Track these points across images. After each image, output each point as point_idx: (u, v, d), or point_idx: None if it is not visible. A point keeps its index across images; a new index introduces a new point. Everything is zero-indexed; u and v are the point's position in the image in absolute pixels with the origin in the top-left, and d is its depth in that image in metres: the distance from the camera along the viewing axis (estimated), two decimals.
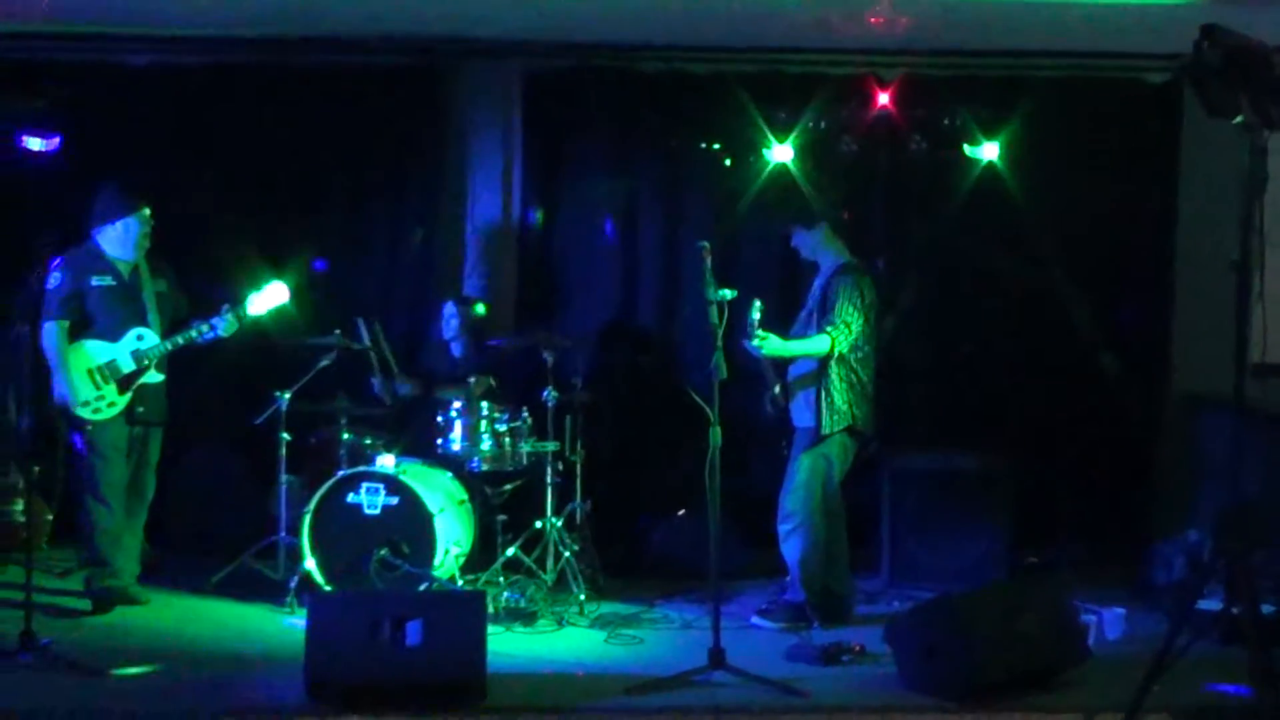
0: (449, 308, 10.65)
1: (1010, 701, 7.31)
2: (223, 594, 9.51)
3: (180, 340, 9.08)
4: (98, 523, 9.06)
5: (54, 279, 8.91)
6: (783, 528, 9.03)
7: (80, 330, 9.02)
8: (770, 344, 8.66)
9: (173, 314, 9.27)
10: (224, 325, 9.10)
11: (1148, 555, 9.74)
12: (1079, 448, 10.90)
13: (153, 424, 9.24)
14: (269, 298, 9.20)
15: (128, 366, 9.02)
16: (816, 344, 8.83)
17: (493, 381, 10.08)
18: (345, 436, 9.86)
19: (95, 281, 9.02)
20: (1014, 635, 7.49)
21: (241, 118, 11.07)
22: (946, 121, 10.82)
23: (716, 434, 7.82)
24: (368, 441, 9.96)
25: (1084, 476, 10.84)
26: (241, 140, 11.06)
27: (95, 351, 9.01)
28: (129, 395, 9.05)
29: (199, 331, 9.10)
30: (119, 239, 9.06)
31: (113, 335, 9.04)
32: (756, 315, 8.48)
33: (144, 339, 9.07)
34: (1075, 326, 10.99)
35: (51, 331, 8.91)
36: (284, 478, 9.85)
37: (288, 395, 9.71)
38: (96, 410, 8.98)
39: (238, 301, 9.15)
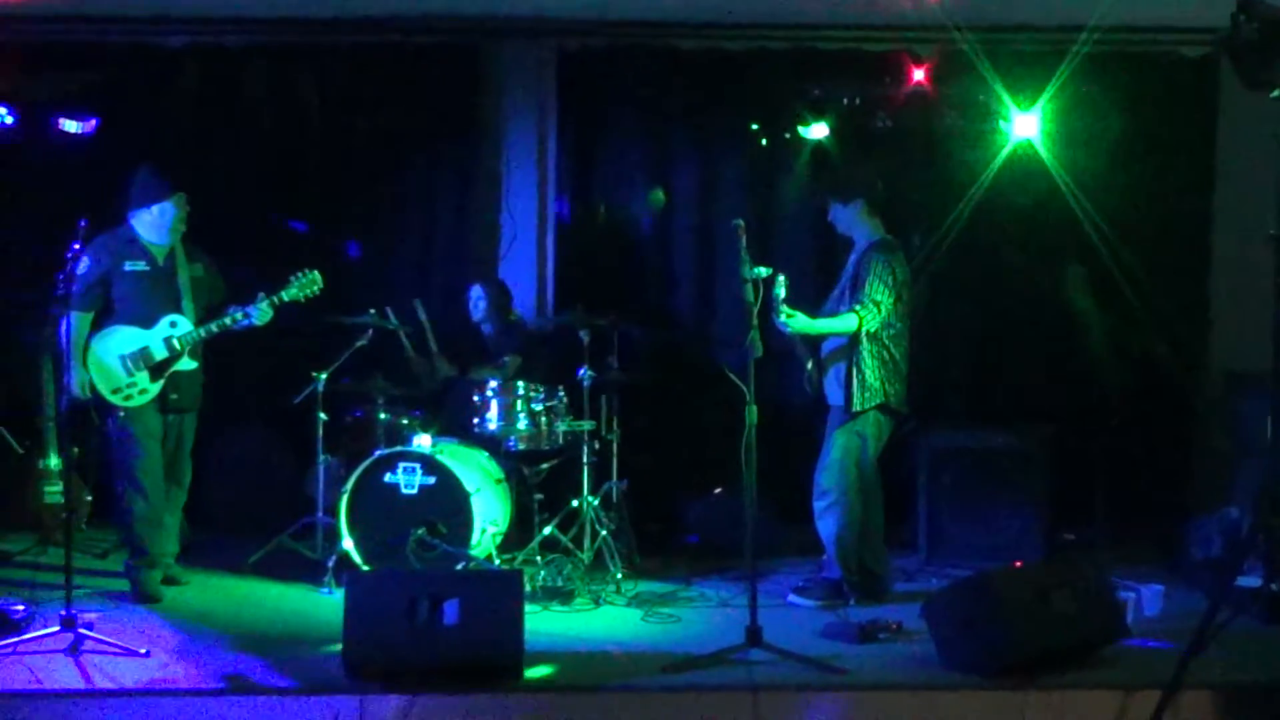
0: (475, 290, 10.65)
1: (1048, 678, 7.29)
2: (261, 574, 9.56)
3: (214, 328, 9.00)
4: (135, 510, 9.03)
5: (83, 264, 8.74)
6: (818, 505, 9.02)
7: (112, 316, 8.97)
8: (797, 321, 8.64)
9: (208, 299, 9.21)
10: (258, 314, 9.02)
11: (1186, 532, 9.72)
12: (1117, 424, 10.85)
13: (186, 410, 9.18)
14: (304, 287, 9.12)
15: (160, 354, 8.94)
16: (844, 323, 8.81)
17: (519, 361, 10.10)
18: (382, 416, 9.89)
19: (128, 267, 8.95)
20: (1050, 612, 7.46)
21: (277, 98, 11.11)
22: (982, 97, 10.78)
23: (753, 412, 7.81)
24: (405, 421, 9.98)
25: (1122, 452, 10.78)
26: (276, 121, 11.11)
27: (128, 338, 8.94)
28: (161, 382, 8.98)
29: (233, 319, 9.01)
30: (154, 223, 8.99)
31: (146, 322, 8.96)
32: (782, 291, 8.46)
33: (177, 326, 8.98)
34: (1113, 302, 10.94)
35: (71, 322, 8.81)
36: (321, 458, 9.89)
37: (325, 375, 9.72)
38: (129, 397, 8.93)
39: (273, 290, 9.08)
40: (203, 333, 9.00)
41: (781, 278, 8.43)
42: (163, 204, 8.96)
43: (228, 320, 9.01)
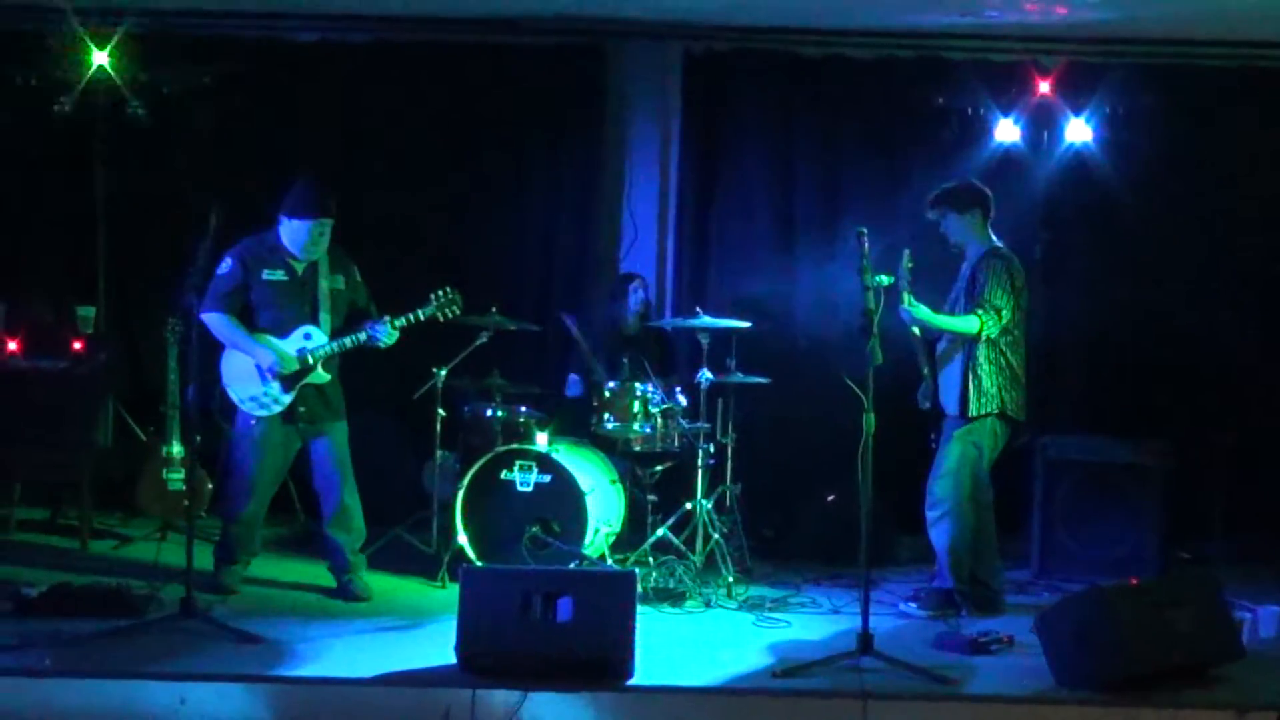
0: (636, 283, 10.74)
1: (1161, 696, 7.24)
2: (375, 566, 9.58)
3: (347, 343, 8.93)
4: (239, 513, 9.11)
5: (225, 265, 8.84)
6: (931, 514, 8.99)
7: (250, 322, 8.94)
8: (920, 309, 8.63)
9: (348, 310, 9.13)
10: (384, 334, 8.90)
11: None
12: (1238, 438, 10.74)
13: (317, 422, 9.08)
14: (443, 306, 8.98)
15: (292, 366, 8.91)
16: (964, 322, 8.75)
17: (640, 361, 10.11)
18: (500, 414, 9.94)
19: (266, 275, 8.91)
20: (1167, 629, 7.41)
21: (403, 95, 11.21)
22: (1108, 110, 10.72)
23: (870, 420, 7.79)
24: (521, 419, 10.02)
25: (1241, 469, 10.68)
26: (403, 117, 11.21)
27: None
28: (294, 394, 8.95)
29: (368, 335, 8.91)
30: (292, 237, 8.91)
31: (280, 332, 8.93)
32: (908, 264, 8.45)
33: (311, 338, 8.94)
34: (1234, 313, 10.85)
35: (220, 322, 8.86)
36: (439, 453, 9.96)
37: (444, 371, 9.79)
38: (261, 406, 8.95)
39: (408, 308, 8.95)
40: (335, 347, 8.95)
41: (907, 250, 8.43)
42: (305, 222, 8.88)
43: (362, 336, 8.94)
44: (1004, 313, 8.75)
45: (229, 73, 10.89)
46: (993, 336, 8.77)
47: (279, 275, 8.96)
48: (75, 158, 11.05)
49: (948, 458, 8.93)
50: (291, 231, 8.93)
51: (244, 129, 11.11)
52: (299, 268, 9.00)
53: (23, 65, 10.66)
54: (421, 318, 8.99)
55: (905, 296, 8.51)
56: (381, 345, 8.97)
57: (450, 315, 9.08)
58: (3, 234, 11.19)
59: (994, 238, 9.05)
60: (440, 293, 9.03)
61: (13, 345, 10.37)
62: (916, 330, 8.89)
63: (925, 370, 9.08)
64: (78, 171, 11.08)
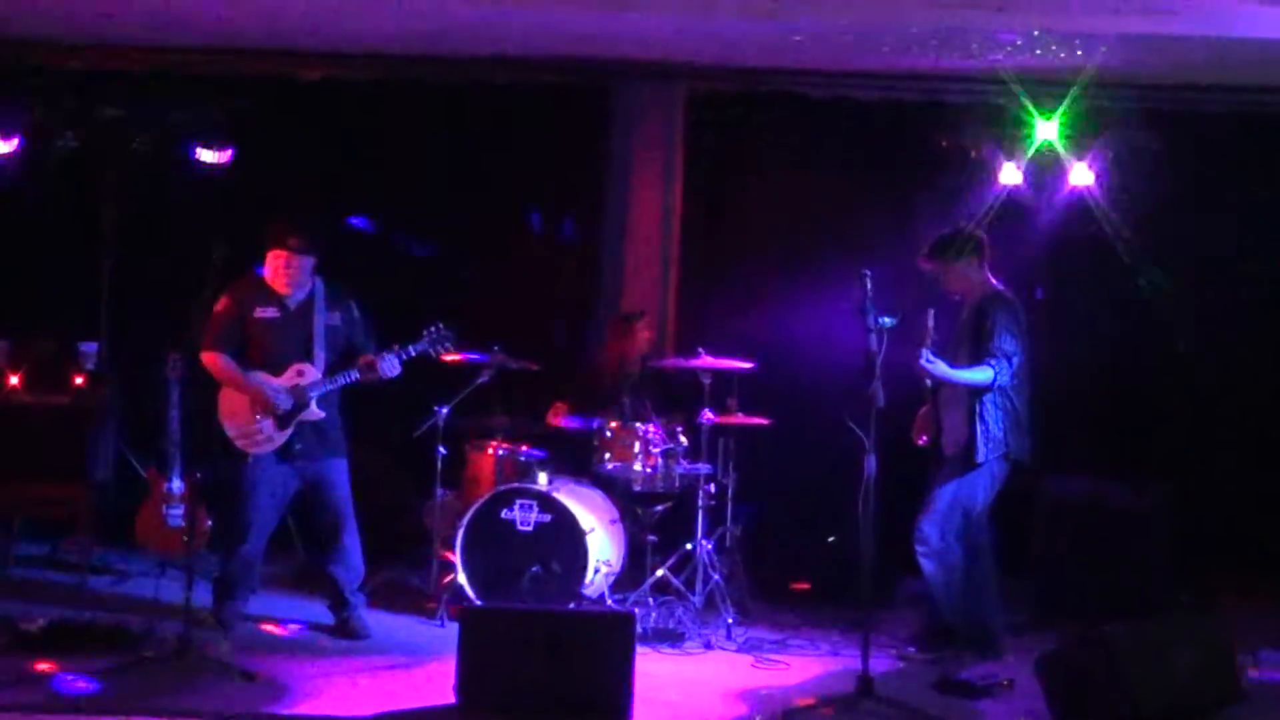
0: (638, 323, 10.68)
1: None
2: (374, 604, 9.57)
3: (341, 380, 8.95)
4: (235, 551, 9.07)
5: (220, 304, 8.86)
6: (919, 549, 8.90)
7: (243, 361, 8.94)
8: (937, 366, 8.60)
9: (345, 347, 9.13)
10: (387, 367, 8.91)
11: None
12: (1241, 479, 10.73)
13: (315, 460, 9.06)
14: (435, 342, 9.04)
15: (285, 404, 8.95)
16: (979, 375, 8.71)
17: (641, 400, 10.10)
18: (500, 453, 9.92)
19: (258, 313, 8.94)
20: (1169, 672, 7.39)
21: (406, 133, 11.23)
22: (1111, 154, 10.72)
23: (872, 462, 7.79)
24: (522, 458, 10.01)
25: (1246, 509, 10.67)
26: (405, 155, 11.22)
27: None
28: (289, 431, 8.95)
29: (361, 372, 8.95)
30: (270, 271, 8.97)
31: (275, 369, 8.93)
32: (931, 323, 8.42)
33: (304, 375, 8.95)
34: (1237, 355, 10.85)
35: (215, 361, 8.88)
36: (439, 491, 9.94)
37: (446, 409, 9.77)
38: (254, 444, 8.94)
39: (404, 343, 9.00)
40: (330, 384, 8.97)
41: (931, 310, 8.41)
42: (274, 252, 8.94)
43: (355, 373, 8.96)
44: (1014, 359, 8.72)
45: (232, 110, 10.91)
46: (1004, 384, 8.74)
47: (270, 313, 8.97)
48: (80, 194, 11.07)
49: (940, 498, 8.86)
50: (268, 265, 8.97)
51: (247, 166, 11.10)
52: (291, 303, 9.01)
53: (29, 101, 10.69)
54: (413, 353, 9.02)
55: (924, 352, 8.47)
56: (388, 376, 8.96)
57: (442, 351, 9.12)
58: (6, 270, 11.19)
59: (993, 281, 9.03)
60: (433, 328, 9.07)
61: (15, 380, 10.39)
62: (929, 381, 8.89)
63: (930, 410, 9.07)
64: (82, 208, 11.11)
